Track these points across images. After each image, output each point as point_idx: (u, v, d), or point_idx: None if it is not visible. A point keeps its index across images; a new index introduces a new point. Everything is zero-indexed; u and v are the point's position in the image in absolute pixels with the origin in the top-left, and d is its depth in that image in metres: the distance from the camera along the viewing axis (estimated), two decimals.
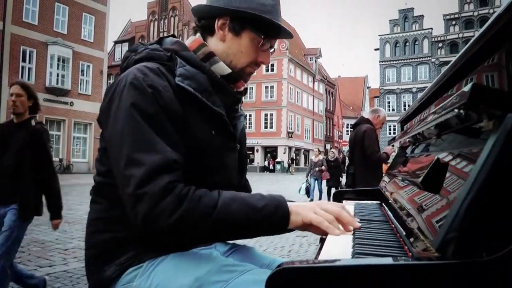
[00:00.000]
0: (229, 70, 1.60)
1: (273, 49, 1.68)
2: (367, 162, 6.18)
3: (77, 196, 14.99)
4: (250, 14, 1.54)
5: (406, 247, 1.17)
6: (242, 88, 1.71)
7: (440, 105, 1.11)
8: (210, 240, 1.47)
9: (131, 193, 1.26)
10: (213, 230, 1.30)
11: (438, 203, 1.02)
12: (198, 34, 1.67)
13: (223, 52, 1.61)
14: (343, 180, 15.47)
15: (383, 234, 1.39)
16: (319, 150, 17.87)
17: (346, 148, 72.29)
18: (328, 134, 77.93)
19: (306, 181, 17.01)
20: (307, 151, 67.85)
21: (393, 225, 1.54)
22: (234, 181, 1.69)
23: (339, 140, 78.69)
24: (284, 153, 57.94)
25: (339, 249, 1.20)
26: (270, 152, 58.01)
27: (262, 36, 1.59)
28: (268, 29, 1.59)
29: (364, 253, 1.08)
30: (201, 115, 1.48)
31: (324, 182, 16.79)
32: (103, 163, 1.49)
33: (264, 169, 53.81)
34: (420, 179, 1.15)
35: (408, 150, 2.20)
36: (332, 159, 16.97)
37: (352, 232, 1.36)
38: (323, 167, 16.51)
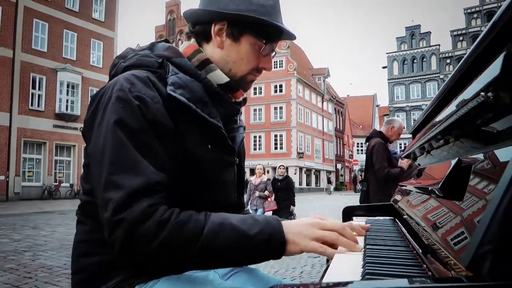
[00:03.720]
0: (227, 79, 1.47)
1: (274, 53, 1.55)
2: (378, 178, 6.00)
3: None
4: (249, 17, 1.41)
5: (424, 266, 1.02)
6: (241, 98, 1.58)
7: (457, 100, 0.98)
8: (196, 268, 1.33)
9: (108, 219, 1.14)
10: (198, 259, 1.17)
11: (464, 213, 0.88)
12: (193, 40, 1.54)
13: (221, 59, 1.49)
14: (295, 209, 11.63)
15: (397, 252, 1.24)
16: (263, 168, 11.95)
17: (357, 168, 72.43)
18: (339, 153, 77.88)
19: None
20: (317, 171, 67.77)
21: (408, 242, 1.39)
22: (232, 198, 1.55)
23: (350, 160, 78.59)
24: (295, 173, 57.82)
25: (347, 269, 1.06)
26: None
27: (264, 41, 1.47)
28: (269, 32, 1.47)
29: (376, 273, 0.93)
30: (195, 128, 1.35)
31: (269, 214, 7.87)
32: (88, 180, 1.36)
33: None
34: (439, 185, 1.00)
35: (422, 160, 2.07)
36: (280, 178, 11.80)
37: (362, 249, 1.22)
38: (267, 192, 11.25)
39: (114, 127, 1.20)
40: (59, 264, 7.37)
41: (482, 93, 0.71)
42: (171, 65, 1.41)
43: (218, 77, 1.46)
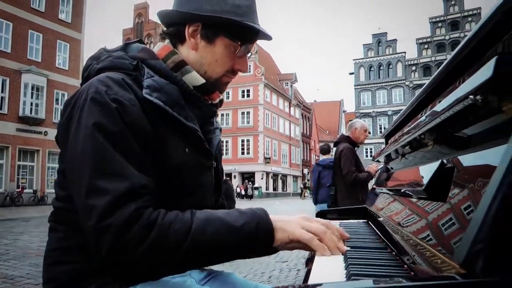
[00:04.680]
0: (203, 80, 1.45)
1: (250, 54, 1.53)
2: (347, 182, 6.03)
3: None
4: (224, 19, 1.39)
5: (405, 266, 1.03)
6: (217, 100, 1.56)
7: (439, 103, 0.99)
8: (187, 268, 1.30)
9: (93, 226, 1.10)
10: (188, 257, 1.15)
11: (444, 213, 0.89)
12: (167, 41, 1.52)
13: (196, 61, 1.46)
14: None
15: (377, 253, 1.25)
16: None
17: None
18: (305, 158, 78.29)
19: None
20: (284, 176, 67.99)
21: (386, 244, 1.40)
22: (209, 202, 1.52)
23: None
24: (262, 178, 57.89)
25: (329, 271, 1.06)
26: (248, 178, 57.83)
27: (239, 42, 1.45)
28: (244, 33, 1.45)
29: (360, 274, 0.93)
30: (172, 131, 1.32)
31: None
32: (63, 186, 1.32)
33: (242, 196, 53.16)
34: (422, 188, 1.01)
35: (396, 163, 2.09)
36: None
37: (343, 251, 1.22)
38: None
39: (93, 131, 1.16)
40: (22, 273, 7.11)
41: (471, 96, 0.72)
42: (146, 67, 1.38)
43: (194, 79, 1.44)
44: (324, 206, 7.80)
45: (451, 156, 1.07)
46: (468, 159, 0.91)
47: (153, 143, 1.27)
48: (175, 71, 1.43)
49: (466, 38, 0.95)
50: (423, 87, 1.41)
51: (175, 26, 1.49)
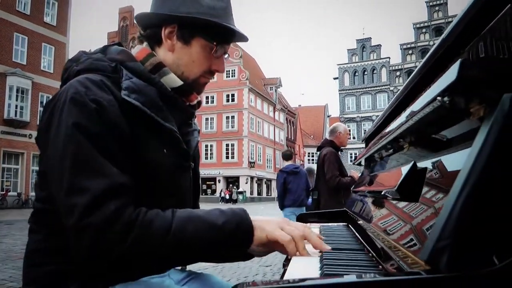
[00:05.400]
0: (181, 82, 1.47)
1: (227, 55, 1.55)
2: (330, 187, 6.05)
3: None
4: (199, 20, 1.41)
5: (380, 266, 1.04)
6: (195, 101, 1.58)
7: (411, 107, 1.01)
8: (168, 266, 1.30)
9: (74, 225, 1.10)
10: (169, 255, 1.15)
11: (419, 214, 0.90)
12: (146, 43, 1.53)
13: (173, 63, 1.48)
14: None
15: (354, 255, 1.26)
16: None
17: None
18: None
19: None
20: (269, 181, 67.96)
21: (363, 245, 1.42)
22: (188, 203, 1.54)
23: None
24: (246, 183, 57.81)
25: (305, 271, 1.07)
26: (232, 182, 57.75)
27: (215, 43, 1.46)
28: (220, 34, 1.47)
29: (334, 274, 0.94)
30: (150, 132, 1.33)
31: None
32: (43, 188, 1.32)
33: (227, 200, 53.03)
34: (394, 188, 1.02)
35: (374, 166, 2.10)
36: None
37: (319, 253, 1.23)
38: None
39: (73, 131, 1.17)
40: (5, 276, 7.04)
41: (438, 98, 0.73)
42: (124, 69, 1.39)
43: (172, 80, 1.46)
44: (289, 210, 7.91)
45: (424, 157, 1.08)
46: (438, 160, 0.92)
47: (131, 144, 1.27)
48: (153, 73, 1.44)
49: (440, 39, 0.97)
50: (400, 90, 1.43)
51: (151, 28, 1.51)
